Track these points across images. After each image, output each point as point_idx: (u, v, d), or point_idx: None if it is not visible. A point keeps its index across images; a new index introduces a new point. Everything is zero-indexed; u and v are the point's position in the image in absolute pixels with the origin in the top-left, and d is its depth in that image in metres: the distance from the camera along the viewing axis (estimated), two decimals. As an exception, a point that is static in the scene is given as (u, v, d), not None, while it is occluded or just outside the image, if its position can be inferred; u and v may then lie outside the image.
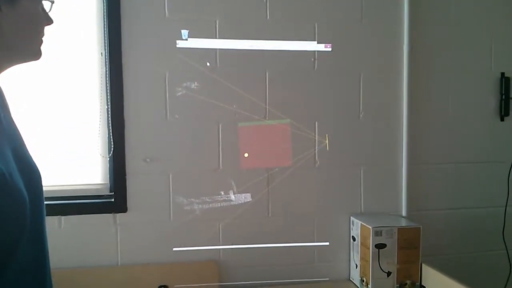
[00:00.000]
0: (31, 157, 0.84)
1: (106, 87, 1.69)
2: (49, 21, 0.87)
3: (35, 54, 0.85)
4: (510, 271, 1.98)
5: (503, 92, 1.99)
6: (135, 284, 1.68)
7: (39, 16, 0.84)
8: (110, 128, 1.69)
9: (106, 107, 1.70)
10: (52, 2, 0.87)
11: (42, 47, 0.86)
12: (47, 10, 0.87)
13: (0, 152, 0.74)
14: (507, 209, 1.99)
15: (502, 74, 1.99)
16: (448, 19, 1.93)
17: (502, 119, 2.01)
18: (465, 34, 1.95)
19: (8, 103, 0.88)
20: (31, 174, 0.81)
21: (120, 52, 1.67)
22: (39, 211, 0.81)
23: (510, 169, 1.98)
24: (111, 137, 1.69)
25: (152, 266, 1.71)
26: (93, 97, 1.71)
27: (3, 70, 0.83)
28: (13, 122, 0.87)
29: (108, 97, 1.68)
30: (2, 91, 0.87)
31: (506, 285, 1.96)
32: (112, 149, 1.69)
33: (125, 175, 1.70)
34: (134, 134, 1.71)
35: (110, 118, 1.69)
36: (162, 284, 1.71)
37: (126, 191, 1.71)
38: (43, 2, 0.85)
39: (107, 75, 1.68)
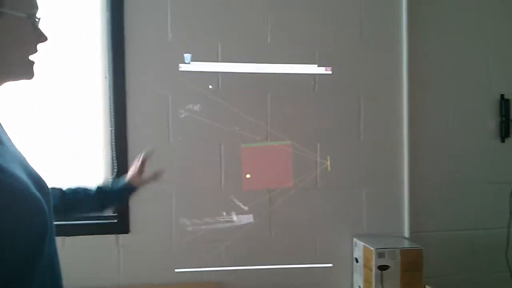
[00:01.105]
0: (38, 173, 0.85)
1: (110, 109, 1.72)
2: (42, 38, 0.83)
3: (25, 73, 0.82)
4: (514, 293, 1.96)
5: (503, 114, 2.01)
6: (137, 306, 1.68)
7: (27, 32, 0.80)
8: (114, 149, 1.71)
9: (110, 129, 1.73)
10: (38, 19, 0.82)
11: (35, 67, 0.82)
12: (37, 26, 0.82)
13: (13, 168, 0.75)
14: (510, 230, 1.98)
15: (502, 96, 2.02)
16: (447, 43, 1.96)
17: (502, 141, 2.02)
18: (463, 55, 1.98)
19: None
20: (42, 189, 0.82)
21: (123, 75, 1.71)
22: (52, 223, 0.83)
23: (511, 189, 1.98)
24: (114, 158, 1.71)
25: (154, 287, 1.71)
26: (97, 119, 1.74)
27: None
28: (13, 142, 0.87)
29: (112, 119, 1.71)
30: None
31: (511, 308, 1.94)
32: (115, 170, 1.71)
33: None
34: (137, 155, 1.73)
35: (113, 140, 1.71)
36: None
37: (129, 213, 1.72)
38: (31, 18, 0.80)
39: (111, 98, 1.71)
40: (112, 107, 1.71)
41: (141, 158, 1.32)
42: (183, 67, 1.75)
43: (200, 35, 1.76)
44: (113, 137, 1.71)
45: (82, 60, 1.74)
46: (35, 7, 0.82)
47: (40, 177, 0.84)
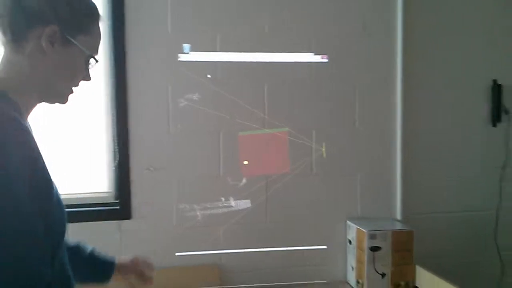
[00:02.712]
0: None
1: (111, 99, 1.77)
2: (87, 78, 0.93)
3: (63, 99, 0.92)
4: (502, 273, 2.04)
5: (495, 99, 2.06)
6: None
7: (81, 67, 0.90)
8: (115, 138, 1.77)
9: (112, 118, 1.78)
10: (97, 61, 0.92)
11: (71, 96, 0.92)
12: (90, 67, 0.92)
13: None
14: (499, 213, 2.05)
15: (494, 81, 2.06)
16: (441, 30, 2.00)
17: (494, 125, 2.07)
18: (458, 44, 2.02)
19: None
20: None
21: (124, 66, 1.75)
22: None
23: (501, 174, 2.05)
24: (116, 147, 1.77)
25: (155, 271, 1.77)
26: (99, 109, 1.79)
27: (33, 108, 0.90)
28: None
29: (114, 109, 1.76)
30: None
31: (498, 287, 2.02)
32: (117, 158, 1.77)
33: (129, 183, 1.78)
34: (138, 144, 1.79)
35: (115, 129, 1.77)
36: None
37: (131, 199, 1.78)
38: (91, 58, 0.91)
39: (112, 88, 1.76)
40: (113, 97, 1.76)
41: (150, 266, 1.26)
42: (182, 57, 1.79)
43: (199, 25, 1.80)
44: (115, 126, 1.76)
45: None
46: (97, 50, 0.93)
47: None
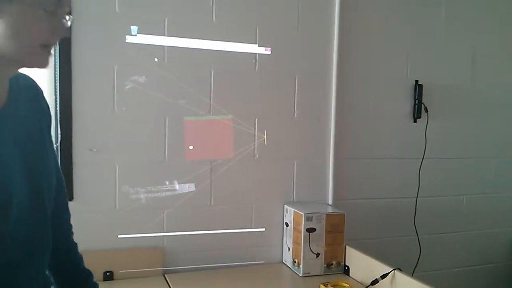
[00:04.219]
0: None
1: (55, 77, 1.72)
2: (62, 31, 0.86)
3: (39, 62, 0.87)
4: (419, 253, 2.28)
5: (416, 97, 2.28)
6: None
7: (37, 21, 0.82)
8: (58, 118, 1.72)
9: (54, 97, 1.73)
10: (57, 13, 0.84)
11: (47, 56, 0.87)
12: (55, 19, 0.84)
13: None
14: (418, 200, 2.28)
15: (416, 81, 2.28)
16: (372, 31, 2.18)
17: (415, 121, 2.30)
18: (386, 45, 2.21)
19: None
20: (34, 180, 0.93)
21: (69, 43, 1.71)
22: None
23: (420, 165, 2.28)
24: (59, 127, 1.72)
25: (98, 253, 1.77)
26: (41, 87, 1.73)
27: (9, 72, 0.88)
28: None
29: (57, 87, 1.72)
30: None
31: (416, 265, 2.25)
32: (59, 138, 1.72)
33: (72, 164, 1.75)
34: (81, 124, 1.76)
35: (58, 108, 1.72)
36: (107, 270, 1.78)
37: (73, 180, 1.75)
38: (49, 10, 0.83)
39: (56, 66, 1.71)
40: (57, 75, 1.71)
41: None
42: (129, 39, 1.79)
43: (147, 8, 1.80)
44: (58, 106, 1.72)
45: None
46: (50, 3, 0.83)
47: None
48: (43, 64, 0.87)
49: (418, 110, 2.28)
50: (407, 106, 2.28)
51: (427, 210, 2.30)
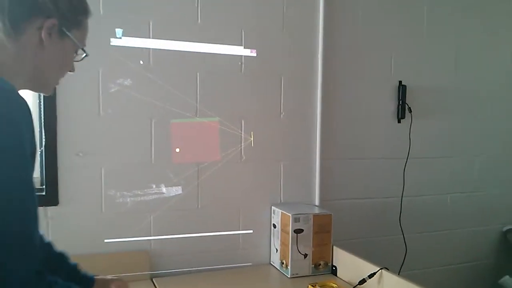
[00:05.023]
0: None
1: (39, 81, 1.70)
2: (72, 69, 1.00)
3: (49, 89, 0.98)
4: (405, 252, 2.30)
5: (400, 98, 2.31)
6: (66, 276, 1.71)
7: (71, 59, 0.97)
8: (42, 121, 1.70)
9: (38, 101, 1.71)
10: (87, 55, 0.99)
11: (55, 86, 0.98)
12: (78, 60, 0.98)
13: None
14: (403, 199, 2.31)
15: (400, 82, 2.31)
16: (357, 33, 2.20)
17: (399, 121, 2.32)
18: (370, 46, 2.23)
19: None
20: None
21: (53, 47, 1.69)
22: None
23: (405, 164, 2.31)
24: (43, 130, 1.70)
25: (84, 257, 1.74)
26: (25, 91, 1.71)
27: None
28: None
29: (40, 91, 1.70)
30: None
31: (402, 264, 2.27)
32: (43, 142, 1.70)
33: (56, 168, 1.73)
34: (66, 128, 1.74)
35: (42, 112, 1.70)
36: (94, 275, 1.75)
37: (58, 185, 1.73)
38: (79, 50, 0.97)
39: (40, 70, 1.69)
40: (41, 79, 1.69)
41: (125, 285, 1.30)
42: (114, 42, 1.78)
43: (132, 11, 1.79)
44: (42, 109, 1.70)
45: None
46: (85, 43, 1.00)
47: None
48: (50, 92, 1.00)
49: (402, 111, 2.31)
50: (391, 106, 2.31)
51: (412, 209, 2.33)
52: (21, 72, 0.91)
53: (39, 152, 1.72)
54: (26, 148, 0.81)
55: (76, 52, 0.98)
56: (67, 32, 0.93)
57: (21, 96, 0.84)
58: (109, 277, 1.30)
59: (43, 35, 0.89)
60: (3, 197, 0.77)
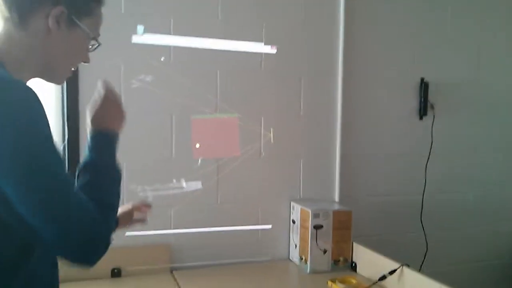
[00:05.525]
0: None
1: (63, 77, 1.74)
2: (87, 60, 0.97)
3: (60, 79, 0.96)
4: (426, 250, 2.27)
5: (422, 95, 2.28)
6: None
7: (83, 49, 0.93)
8: (65, 117, 1.74)
9: (61, 96, 1.75)
10: (99, 45, 0.95)
11: (67, 76, 0.95)
12: (90, 50, 0.95)
13: None
14: (424, 196, 2.28)
15: (422, 79, 2.28)
16: (378, 31, 2.18)
17: (421, 118, 2.29)
18: (392, 43, 2.21)
19: None
20: None
21: (77, 44, 1.73)
22: None
23: (427, 161, 2.28)
24: (66, 126, 1.74)
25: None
26: (49, 87, 1.75)
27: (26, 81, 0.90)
28: None
29: (64, 87, 1.73)
30: None
31: (423, 261, 2.25)
32: (66, 137, 1.74)
33: (79, 162, 1.76)
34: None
35: (65, 108, 1.74)
36: (114, 267, 1.79)
37: (81, 179, 1.76)
38: (92, 41, 0.93)
39: (64, 66, 1.73)
40: (65, 75, 1.73)
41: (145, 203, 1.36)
42: (135, 39, 1.80)
43: (153, 8, 1.82)
44: (65, 106, 1.74)
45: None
46: (99, 33, 0.95)
47: None
48: (61, 82, 0.98)
49: (424, 108, 2.28)
50: (413, 103, 2.28)
51: (434, 206, 2.30)
52: (30, 62, 0.87)
53: (62, 146, 1.76)
54: (46, 121, 0.81)
55: (89, 42, 0.93)
56: (76, 20, 0.87)
57: (28, 86, 0.82)
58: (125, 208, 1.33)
59: (50, 23, 0.85)
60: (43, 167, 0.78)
